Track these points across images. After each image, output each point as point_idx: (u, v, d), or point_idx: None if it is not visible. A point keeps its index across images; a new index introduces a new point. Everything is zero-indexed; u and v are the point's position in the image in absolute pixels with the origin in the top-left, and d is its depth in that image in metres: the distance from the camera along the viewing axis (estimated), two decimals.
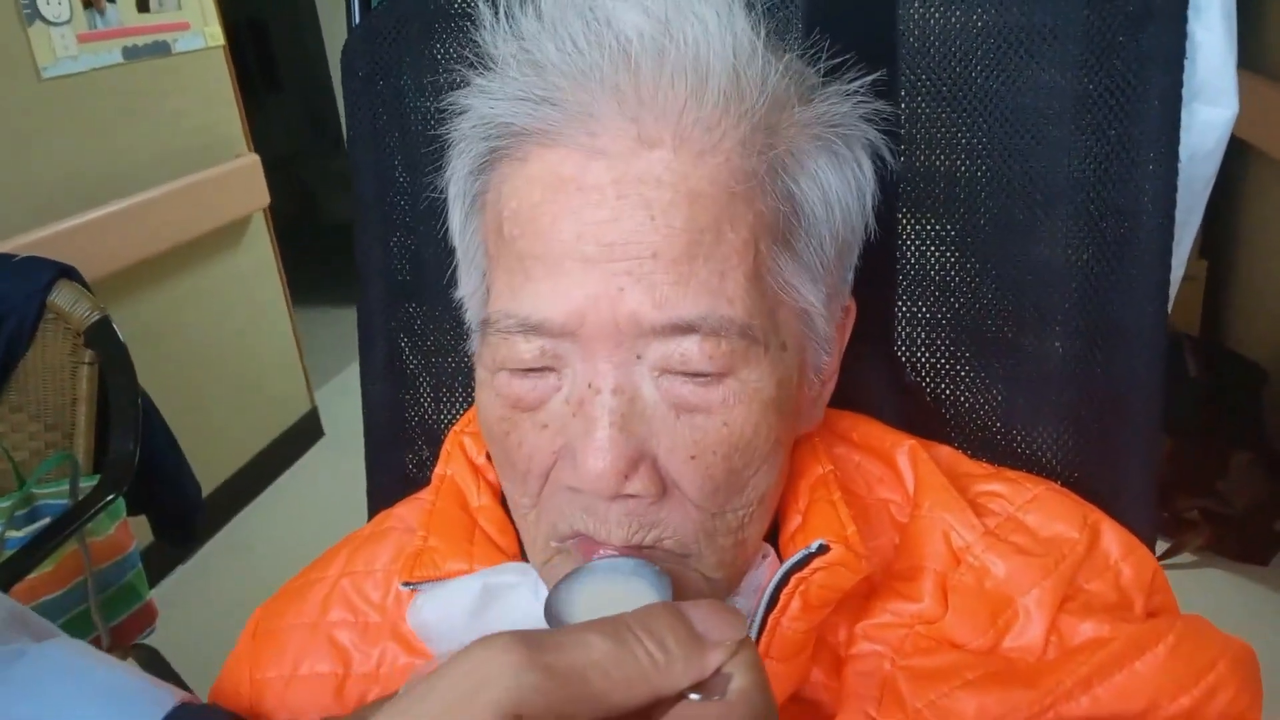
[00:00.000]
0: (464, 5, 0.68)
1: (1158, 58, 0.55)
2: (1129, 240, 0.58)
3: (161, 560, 2.31)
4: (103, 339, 1.52)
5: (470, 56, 0.47)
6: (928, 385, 0.67)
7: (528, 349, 0.45)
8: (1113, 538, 0.53)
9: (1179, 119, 0.56)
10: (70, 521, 1.33)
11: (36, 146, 1.99)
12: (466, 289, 0.53)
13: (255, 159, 2.64)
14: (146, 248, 2.23)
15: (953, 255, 0.63)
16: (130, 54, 2.23)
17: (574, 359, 0.44)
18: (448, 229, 0.72)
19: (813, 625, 0.48)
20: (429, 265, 0.73)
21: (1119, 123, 0.57)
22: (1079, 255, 0.59)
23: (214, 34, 2.52)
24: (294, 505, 2.72)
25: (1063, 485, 0.58)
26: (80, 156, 2.10)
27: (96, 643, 1.48)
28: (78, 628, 1.43)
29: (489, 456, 0.58)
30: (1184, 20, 0.55)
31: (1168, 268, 0.57)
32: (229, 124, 2.60)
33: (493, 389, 0.47)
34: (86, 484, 1.46)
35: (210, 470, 2.43)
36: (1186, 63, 0.55)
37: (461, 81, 0.49)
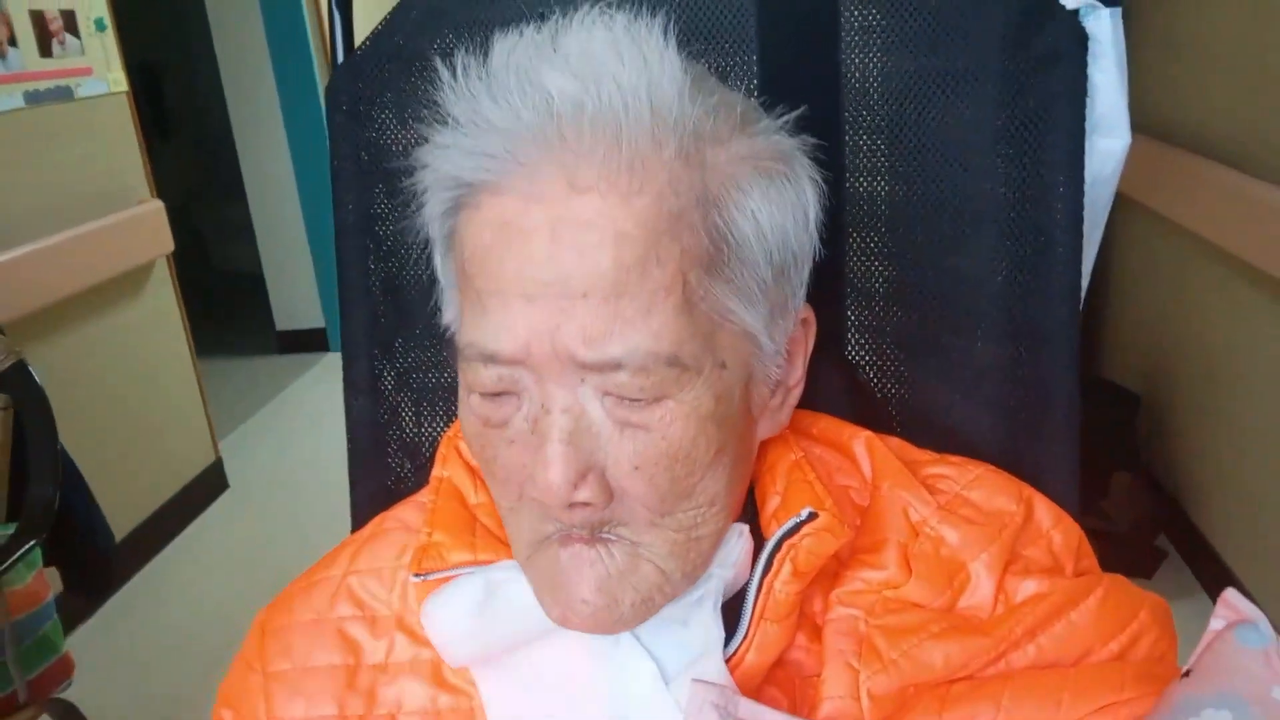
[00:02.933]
0: (440, 47, 0.74)
1: (1063, 96, 0.65)
2: (1044, 253, 0.67)
3: (64, 615, 2.21)
4: (20, 383, 1.49)
5: (436, 105, 0.52)
6: (876, 384, 0.74)
7: (488, 375, 0.50)
8: (1044, 510, 0.61)
9: (1083, 148, 0.65)
10: None
11: None
12: (449, 316, 0.59)
13: (159, 205, 2.61)
14: (47, 294, 2.17)
15: (893, 269, 0.71)
16: (32, 98, 2.20)
17: (529, 383, 0.50)
18: (425, 255, 0.77)
19: (801, 589, 0.54)
20: (407, 289, 0.78)
21: (1032, 151, 0.66)
22: (1001, 266, 0.68)
23: (117, 80, 2.49)
24: (200, 559, 2.64)
25: (997, 466, 0.66)
26: None
27: (14, 697, 1.43)
28: None
29: None
30: (1084, 64, 0.65)
31: (1079, 275, 0.66)
32: (132, 170, 2.57)
33: (469, 407, 0.53)
34: (1, 532, 1.42)
35: (114, 523, 2.35)
36: (1087, 100, 0.65)
37: (433, 121, 0.53)
